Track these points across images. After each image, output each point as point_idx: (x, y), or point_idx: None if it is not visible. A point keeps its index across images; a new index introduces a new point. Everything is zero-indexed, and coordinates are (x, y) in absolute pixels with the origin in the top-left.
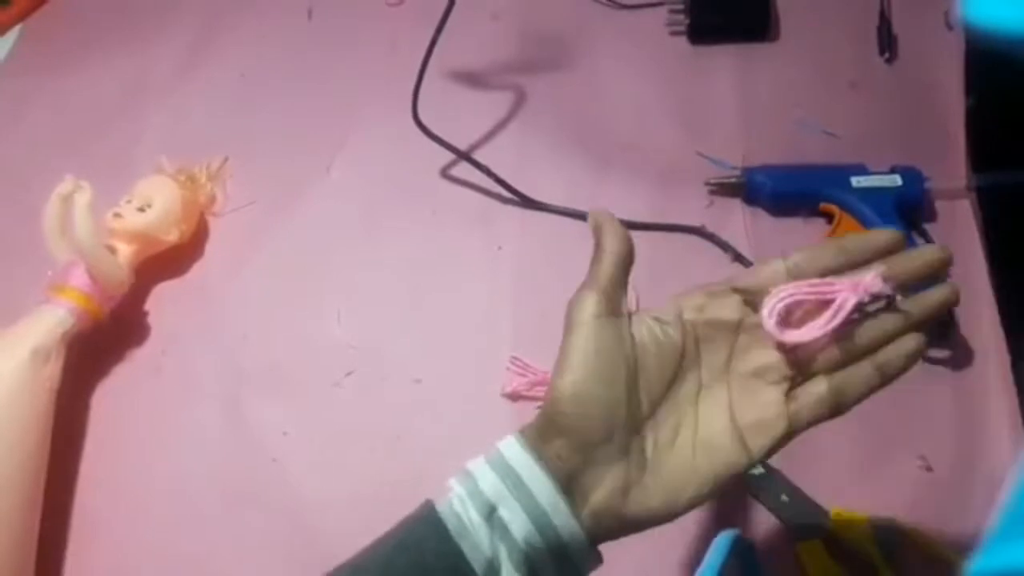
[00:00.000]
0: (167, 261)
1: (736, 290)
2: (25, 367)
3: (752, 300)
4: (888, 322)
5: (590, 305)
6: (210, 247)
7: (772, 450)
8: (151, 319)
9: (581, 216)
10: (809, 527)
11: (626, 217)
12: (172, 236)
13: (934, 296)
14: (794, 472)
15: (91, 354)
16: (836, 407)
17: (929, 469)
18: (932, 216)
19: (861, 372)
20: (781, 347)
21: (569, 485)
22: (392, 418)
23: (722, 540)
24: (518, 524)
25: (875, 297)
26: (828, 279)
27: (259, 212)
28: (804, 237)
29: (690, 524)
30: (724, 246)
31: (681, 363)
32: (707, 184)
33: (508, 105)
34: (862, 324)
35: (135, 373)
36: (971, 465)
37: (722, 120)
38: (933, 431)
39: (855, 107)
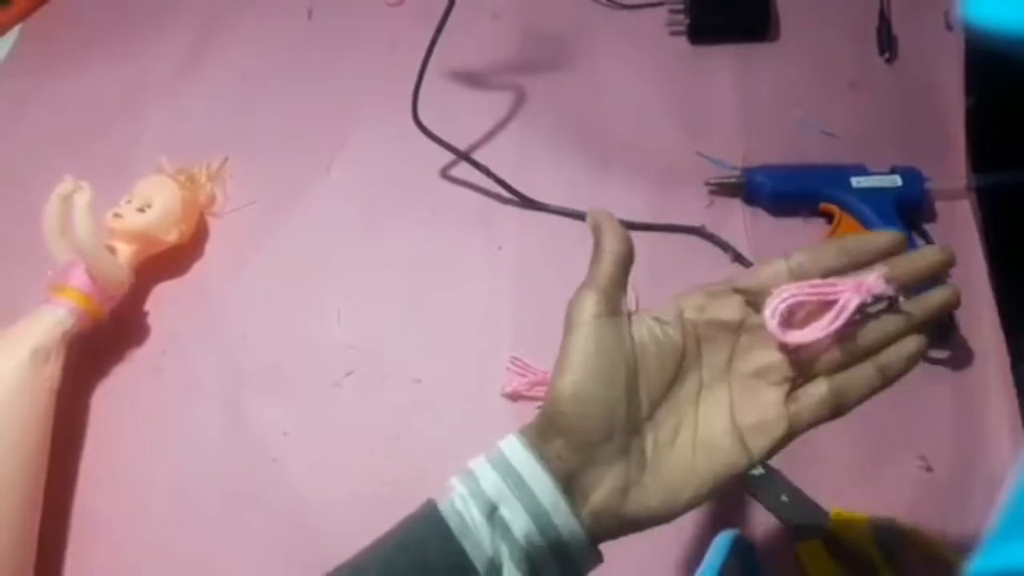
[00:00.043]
0: (167, 261)
1: (737, 290)
2: (25, 367)
3: (754, 300)
4: (890, 323)
5: (590, 305)
6: (210, 247)
7: (772, 451)
8: (151, 319)
9: (581, 216)
10: (809, 527)
11: (626, 217)
12: (172, 236)
13: (935, 297)
14: (794, 472)
15: (91, 354)
16: (837, 408)
17: (929, 469)
18: (932, 216)
19: (862, 373)
20: (783, 348)
21: (569, 484)
22: (392, 418)
23: (722, 540)
24: (519, 523)
25: (877, 298)
26: (830, 280)
27: (259, 212)
28: (804, 237)
29: (690, 524)
30: (724, 246)
31: (682, 363)
32: (707, 184)
33: (508, 105)
34: (864, 325)
35: (135, 373)
36: (971, 465)
37: (722, 120)
38: (933, 431)
39: (855, 107)
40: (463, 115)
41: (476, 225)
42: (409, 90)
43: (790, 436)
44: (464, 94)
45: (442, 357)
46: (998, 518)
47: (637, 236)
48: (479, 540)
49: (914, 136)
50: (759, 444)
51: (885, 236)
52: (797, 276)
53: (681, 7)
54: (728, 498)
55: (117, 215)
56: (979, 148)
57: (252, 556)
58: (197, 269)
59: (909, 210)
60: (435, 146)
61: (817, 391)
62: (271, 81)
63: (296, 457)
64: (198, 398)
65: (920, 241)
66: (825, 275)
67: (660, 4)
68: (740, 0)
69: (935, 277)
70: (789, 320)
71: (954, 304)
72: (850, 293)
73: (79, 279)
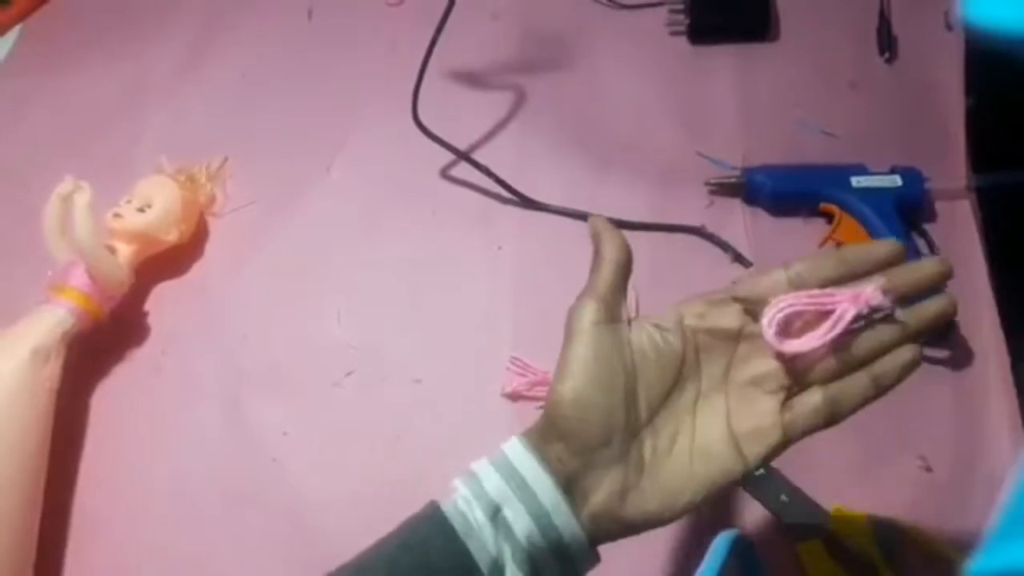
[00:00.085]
0: (167, 261)
1: (737, 299)
2: (25, 367)
3: (752, 309)
4: (885, 333)
5: (589, 312)
6: (210, 247)
7: (768, 458)
8: (151, 319)
9: (581, 216)
10: (809, 527)
11: (626, 217)
12: (172, 236)
13: (931, 308)
14: (794, 472)
15: (91, 354)
16: (831, 417)
17: (929, 469)
18: (932, 216)
19: (857, 383)
20: (780, 357)
21: (569, 487)
22: (392, 418)
23: (722, 540)
24: (521, 524)
25: (874, 309)
26: (828, 290)
27: (259, 212)
28: (804, 237)
29: (690, 524)
30: (724, 246)
31: (681, 370)
32: (707, 184)
33: (508, 105)
34: (859, 335)
35: (135, 373)
36: (971, 465)
37: (722, 120)
38: (933, 431)
39: (855, 107)
40: (463, 115)
41: (476, 225)
42: (409, 90)
43: (785, 444)
44: (464, 94)
45: (442, 357)
46: (998, 518)
47: (637, 236)
48: (483, 541)
49: (914, 136)
50: (754, 451)
51: (885, 246)
52: (796, 286)
53: (681, 7)
54: (728, 498)
55: (117, 215)
56: (979, 148)
57: (252, 556)
58: (197, 269)
59: (909, 210)
60: (435, 146)
61: (812, 400)
62: (271, 81)
63: (296, 457)
64: (198, 398)
65: (920, 241)
66: (824, 285)
67: (660, 4)
68: (740, 0)
69: (934, 288)
70: (786, 329)
71: (951, 314)
72: (847, 304)
73: (79, 279)
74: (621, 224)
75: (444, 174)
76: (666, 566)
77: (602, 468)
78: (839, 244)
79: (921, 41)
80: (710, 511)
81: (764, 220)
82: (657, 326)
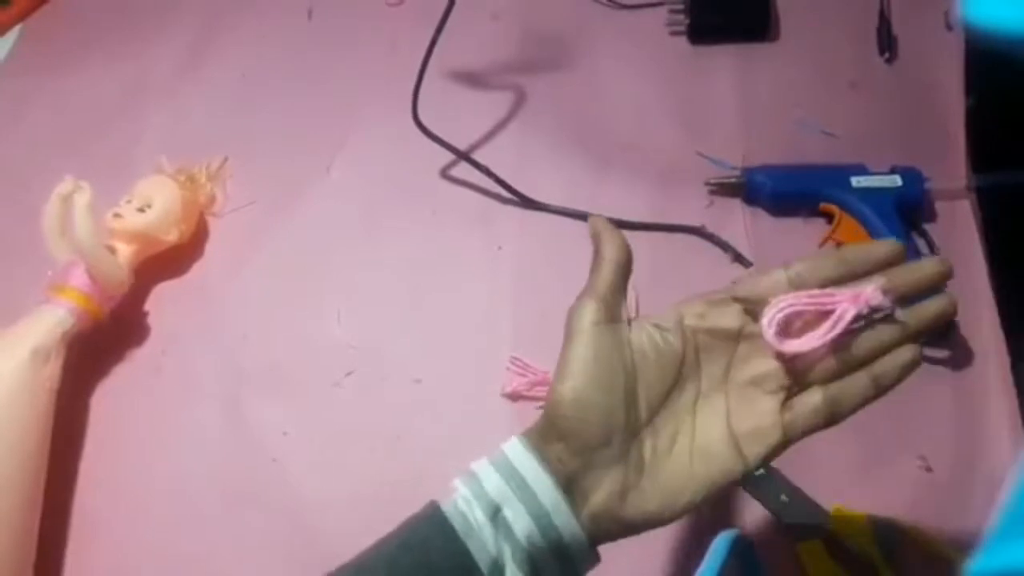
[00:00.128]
0: (167, 261)
1: (737, 299)
2: (25, 367)
3: (752, 309)
4: (884, 333)
5: (589, 313)
6: (210, 247)
7: (768, 458)
8: (151, 319)
9: (581, 216)
10: (809, 527)
11: (626, 217)
12: (172, 236)
13: (931, 308)
14: (794, 472)
15: (91, 354)
16: (831, 418)
17: (929, 469)
18: (932, 216)
19: (856, 383)
20: (779, 357)
21: (569, 487)
22: (392, 418)
23: (722, 540)
24: (521, 524)
25: (874, 309)
26: (828, 290)
27: (259, 212)
28: (804, 237)
29: (690, 524)
30: (724, 246)
31: (680, 370)
32: (707, 184)
33: (508, 105)
34: (859, 335)
35: (135, 373)
36: (971, 465)
37: (722, 120)
38: (933, 431)
39: (855, 107)
40: (463, 115)
41: (476, 225)
42: (409, 90)
43: (785, 444)
44: (464, 94)
45: (442, 357)
46: (998, 518)
47: (637, 236)
48: (483, 541)
49: (914, 136)
50: (754, 451)
51: (885, 246)
52: (796, 286)
53: (681, 7)
54: (728, 498)
55: (117, 215)
56: (979, 148)
57: (252, 556)
58: (197, 269)
59: (909, 210)
60: (435, 146)
61: (812, 400)
62: (271, 81)
63: (296, 457)
64: (198, 398)
65: (920, 241)
66: (824, 285)
67: (660, 4)
68: (740, 0)
69: (934, 288)
70: (786, 330)
71: (951, 314)
72: (847, 304)
73: (79, 279)
74: (621, 224)
75: (444, 174)
76: (666, 566)
77: (602, 468)
78: (839, 244)
79: (921, 41)
80: (710, 511)
81: (764, 220)
82: (657, 326)
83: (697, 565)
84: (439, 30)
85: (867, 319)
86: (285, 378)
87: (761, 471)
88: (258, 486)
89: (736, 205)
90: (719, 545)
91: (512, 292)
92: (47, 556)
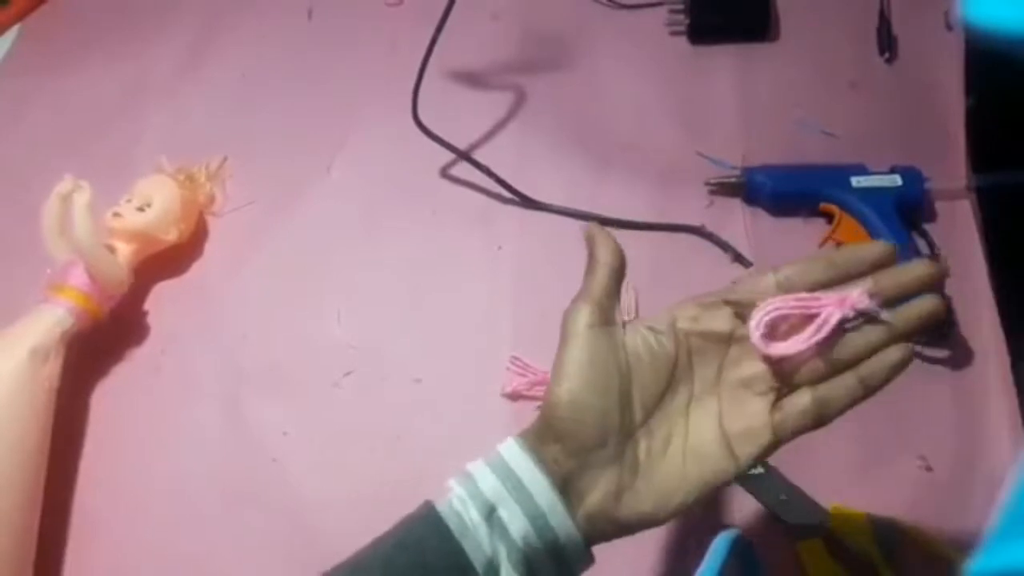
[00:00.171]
0: (167, 261)
1: (728, 302)
2: (24, 367)
3: (743, 313)
4: (872, 334)
5: (584, 316)
6: (210, 247)
7: (759, 458)
8: (151, 319)
9: (581, 216)
10: (809, 527)
11: (626, 217)
12: (171, 236)
13: (918, 308)
14: (794, 472)
15: (91, 354)
16: (819, 418)
17: (929, 469)
18: (932, 216)
19: (844, 384)
20: (767, 359)
21: (565, 488)
22: (392, 418)
23: (722, 540)
24: (517, 524)
25: (860, 313)
26: (815, 294)
27: (259, 212)
28: (804, 237)
29: (690, 524)
30: (724, 246)
31: (674, 373)
32: (707, 184)
33: (508, 105)
34: (846, 337)
35: (135, 373)
36: (971, 465)
37: (722, 120)
38: (933, 431)
39: (855, 107)
40: (463, 115)
41: (476, 225)
42: (409, 90)
43: (775, 444)
44: (464, 94)
45: (442, 357)
46: (998, 518)
47: (637, 236)
48: (478, 541)
49: (914, 136)
50: (746, 451)
51: (876, 249)
52: (785, 289)
53: (681, 7)
54: (726, 498)
55: (117, 214)
56: (979, 148)
57: (252, 556)
58: (197, 269)
59: (909, 210)
60: (435, 146)
61: (800, 401)
62: (271, 81)
63: (296, 457)
64: (198, 398)
65: (920, 241)
66: (812, 288)
67: (660, 4)
68: (740, 0)
69: (924, 290)
70: (773, 333)
71: (939, 314)
72: (832, 307)
73: (78, 278)
74: (621, 224)
75: (444, 174)
76: (665, 566)
77: (598, 469)
78: (839, 244)
79: (921, 41)
80: (703, 511)
81: (764, 220)
82: (651, 329)
83: (696, 565)
84: (439, 30)
85: (853, 322)
86: (285, 378)
87: (760, 470)
88: (258, 486)
89: (736, 205)
90: (719, 545)
91: (512, 292)
92: (47, 556)
